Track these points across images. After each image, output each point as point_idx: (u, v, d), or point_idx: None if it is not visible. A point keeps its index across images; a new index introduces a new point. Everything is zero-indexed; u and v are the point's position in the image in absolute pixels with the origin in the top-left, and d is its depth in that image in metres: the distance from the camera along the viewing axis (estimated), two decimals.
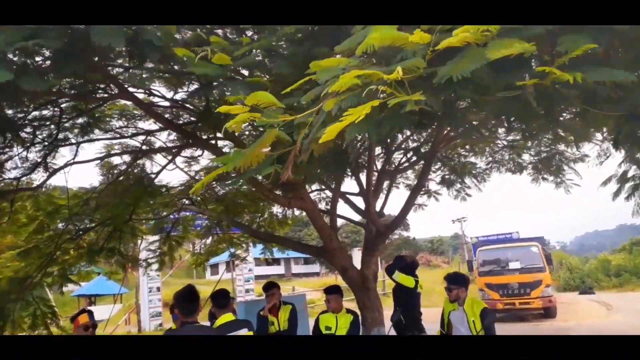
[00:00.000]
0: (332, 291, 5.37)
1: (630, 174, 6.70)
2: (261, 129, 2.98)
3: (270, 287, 5.77)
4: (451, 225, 61.99)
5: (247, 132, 7.42)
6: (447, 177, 11.53)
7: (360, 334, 5.70)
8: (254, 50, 3.69)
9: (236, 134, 5.62)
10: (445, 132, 7.52)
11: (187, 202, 9.55)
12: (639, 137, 3.75)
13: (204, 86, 3.98)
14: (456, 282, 4.91)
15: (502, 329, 14.19)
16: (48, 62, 3.35)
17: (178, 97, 6.51)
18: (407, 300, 5.99)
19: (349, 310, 5.30)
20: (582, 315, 15.79)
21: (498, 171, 11.40)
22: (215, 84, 3.61)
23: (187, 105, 6.79)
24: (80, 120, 6.85)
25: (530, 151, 10.18)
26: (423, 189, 11.88)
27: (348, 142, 2.50)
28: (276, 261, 41.89)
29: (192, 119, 7.10)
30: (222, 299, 4.22)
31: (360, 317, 5.29)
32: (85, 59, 3.28)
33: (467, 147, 10.62)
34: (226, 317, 3.92)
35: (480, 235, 21.42)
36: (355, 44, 2.69)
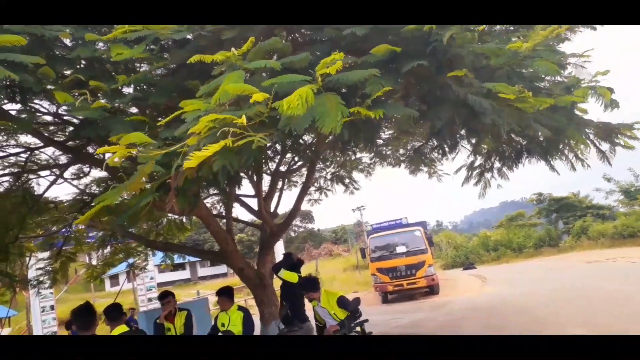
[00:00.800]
0: (220, 293, 5.90)
1: (476, 164, 7.89)
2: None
3: (165, 295, 6.13)
4: (352, 213, 64.92)
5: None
6: (336, 173, 12.56)
7: (257, 328, 6.22)
8: (130, 88, 4.07)
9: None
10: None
11: (78, 215, 9.41)
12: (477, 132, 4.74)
13: (86, 125, 4.23)
14: (305, 288, 5.77)
15: (393, 308, 15.63)
16: None
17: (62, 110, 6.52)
18: (292, 295, 6.60)
19: (239, 308, 5.85)
20: (461, 289, 17.76)
21: (380, 165, 12.54)
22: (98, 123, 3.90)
23: (72, 120, 6.78)
24: None
25: (403, 147, 11.37)
26: (314, 186, 12.79)
27: (217, 170, 3.05)
28: (181, 266, 40.98)
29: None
30: (114, 312, 4.39)
31: (249, 313, 5.85)
32: None
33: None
34: (120, 329, 4.14)
35: (375, 222, 22.78)
36: (214, 87, 3.27)
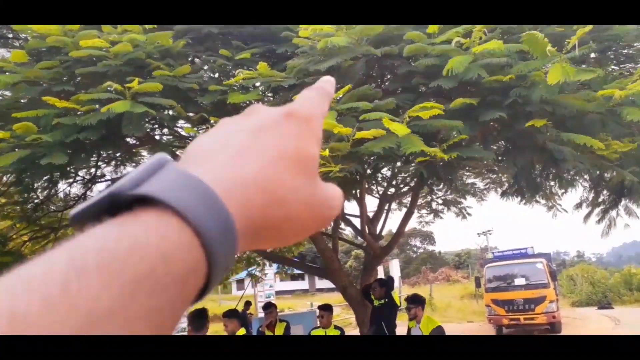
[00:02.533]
0: (324, 308, 6.38)
1: (600, 199, 7.42)
2: None
3: (268, 307, 6.84)
4: (478, 238, 62.08)
5: None
6: (448, 198, 12.46)
7: None
8: None
9: None
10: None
11: None
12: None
13: None
14: (413, 302, 5.84)
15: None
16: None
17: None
18: (386, 317, 6.79)
19: (336, 327, 6.27)
20: (586, 330, 16.17)
21: (495, 191, 12.17)
22: None
23: None
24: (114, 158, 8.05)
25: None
26: (426, 209, 12.84)
27: None
28: (300, 276, 42.83)
29: None
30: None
31: (344, 332, 6.24)
32: (118, 142, 4.48)
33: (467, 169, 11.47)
34: (240, 332, 4.43)
35: (498, 250, 21.78)
36: None
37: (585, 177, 5.54)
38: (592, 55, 4.30)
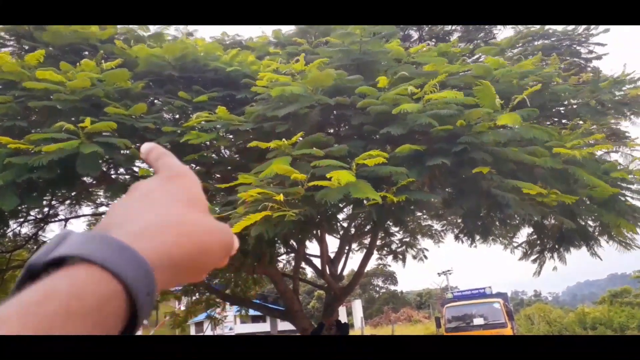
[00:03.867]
0: None
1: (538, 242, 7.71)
2: None
3: None
4: (438, 277, 62.50)
5: None
6: (406, 240, 12.65)
7: None
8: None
9: None
10: None
11: None
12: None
13: None
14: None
15: None
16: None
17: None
18: None
19: None
20: None
21: (452, 232, 12.46)
22: None
23: None
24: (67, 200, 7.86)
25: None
26: (386, 250, 12.96)
27: (255, 236, 3.60)
28: (262, 318, 41.81)
29: None
30: None
31: None
32: (73, 182, 4.44)
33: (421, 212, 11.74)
34: None
35: (462, 289, 21.97)
36: (265, 167, 3.90)
37: (529, 220, 5.85)
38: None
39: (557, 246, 6.51)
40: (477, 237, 8.16)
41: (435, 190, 4.26)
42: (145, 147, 0.50)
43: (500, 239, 11.62)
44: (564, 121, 5.20)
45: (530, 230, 7.47)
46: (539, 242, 7.44)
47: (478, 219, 4.84)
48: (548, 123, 5.13)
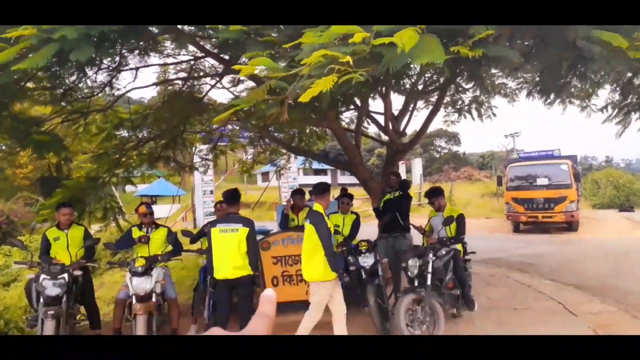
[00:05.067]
0: (345, 195, 6.66)
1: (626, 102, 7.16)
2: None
3: (296, 192, 7.24)
4: (505, 140, 61.14)
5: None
6: (475, 98, 12.10)
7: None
8: None
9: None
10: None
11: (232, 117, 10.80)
12: None
13: (229, 45, 5.05)
14: (434, 194, 6.02)
15: (522, 237, 15.30)
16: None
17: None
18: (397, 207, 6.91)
19: (352, 212, 6.58)
20: (604, 230, 16.46)
21: (527, 92, 11.76)
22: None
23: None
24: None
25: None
26: (454, 108, 12.56)
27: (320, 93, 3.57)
28: (323, 171, 43.68)
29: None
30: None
31: (359, 217, 6.54)
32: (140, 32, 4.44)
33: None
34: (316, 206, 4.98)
35: (529, 151, 21.46)
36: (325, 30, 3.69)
37: (615, 78, 5.29)
38: None
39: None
40: (553, 95, 7.63)
41: (515, 43, 3.86)
42: (267, 294, 0.72)
43: (578, 100, 10.91)
44: None
45: (614, 89, 6.87)
46: (626, 102, 6.87)
47: (558, 74, 4.42)
48: None
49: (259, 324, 0.68)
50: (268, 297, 0.70)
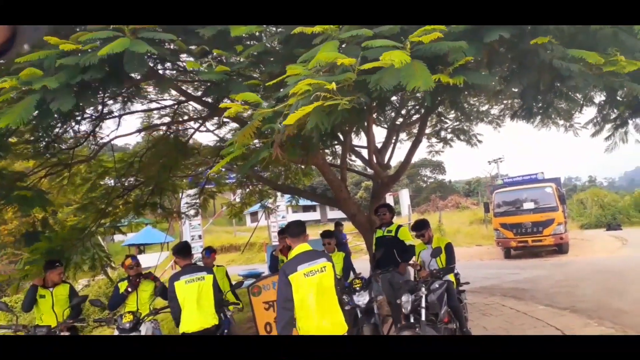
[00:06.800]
0: (327, 235, 6.61)
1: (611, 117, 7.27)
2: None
3: (282, 232, 7.13)
4: (489, 166, 62.03)
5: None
6: (458, 126, 12.29)
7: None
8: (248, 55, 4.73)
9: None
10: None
11: (218, 160, 10.83)
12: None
13: (213, 86, 5.12)
14: (422, 227, 6.01)
15: (514, 264, 15.30)
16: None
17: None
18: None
19: (339, 250, 6.55)
20: (593, 250, 16.56)
21: (510, 117, 11.98)
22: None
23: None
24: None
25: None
26: (436, 138, 12.75)
27: (311, 128, 3.58)
28: (312, 207, 43.65)
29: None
30: (295, 228, 4.31)
31: (350, 254, 6.50)
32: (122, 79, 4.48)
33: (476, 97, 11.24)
34: (302, 247, 4.14)
35: (509, 176, 21.80)
36: (311, 55, 3.75)
37: (598, 94, 5.43)
38: None
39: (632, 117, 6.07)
40: (538, 117, 7.72)
41: (493, 67, 3.98)
42: None
43: (560, 119, 11.12)
44: None
45: (600, 104, 7.00)
46: (612, 114, 6.98)
47: (538, 95, 4.54)
48: None
49: None
50: None
